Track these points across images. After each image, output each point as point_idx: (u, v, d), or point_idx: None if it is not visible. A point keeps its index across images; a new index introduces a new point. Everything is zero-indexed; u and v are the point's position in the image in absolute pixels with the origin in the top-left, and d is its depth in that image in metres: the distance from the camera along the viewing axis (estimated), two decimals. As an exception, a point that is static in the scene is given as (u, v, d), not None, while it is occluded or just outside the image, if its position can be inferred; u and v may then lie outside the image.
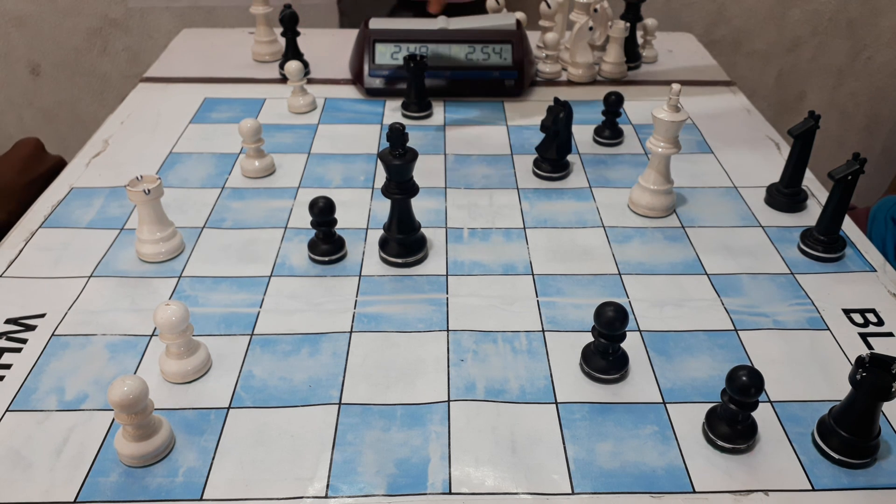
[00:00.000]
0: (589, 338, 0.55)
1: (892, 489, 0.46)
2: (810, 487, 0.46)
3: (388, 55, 0.94)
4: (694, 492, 0.46)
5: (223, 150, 0.83)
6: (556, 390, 0.53)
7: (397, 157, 0.61)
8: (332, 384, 0.53)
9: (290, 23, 0.96)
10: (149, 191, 0.62)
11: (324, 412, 0.51)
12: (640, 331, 0.58)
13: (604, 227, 0.71)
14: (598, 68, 1.02)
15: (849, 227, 0.71)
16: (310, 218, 0.64)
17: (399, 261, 0.65)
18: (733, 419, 0.48)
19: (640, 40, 1.07)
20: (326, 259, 0.65)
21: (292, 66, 0.89)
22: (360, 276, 0.64)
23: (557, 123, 0.75)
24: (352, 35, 1.03)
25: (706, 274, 0.65)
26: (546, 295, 0.62)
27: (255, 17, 1.02)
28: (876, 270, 0.66)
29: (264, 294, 0.62)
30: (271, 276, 0.64)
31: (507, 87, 0.94)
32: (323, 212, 0.63)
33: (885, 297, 0.62)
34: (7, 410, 0.51)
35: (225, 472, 0.47)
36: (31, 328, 0.58)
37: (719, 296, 0.62)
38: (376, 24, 0.95)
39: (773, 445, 0.49)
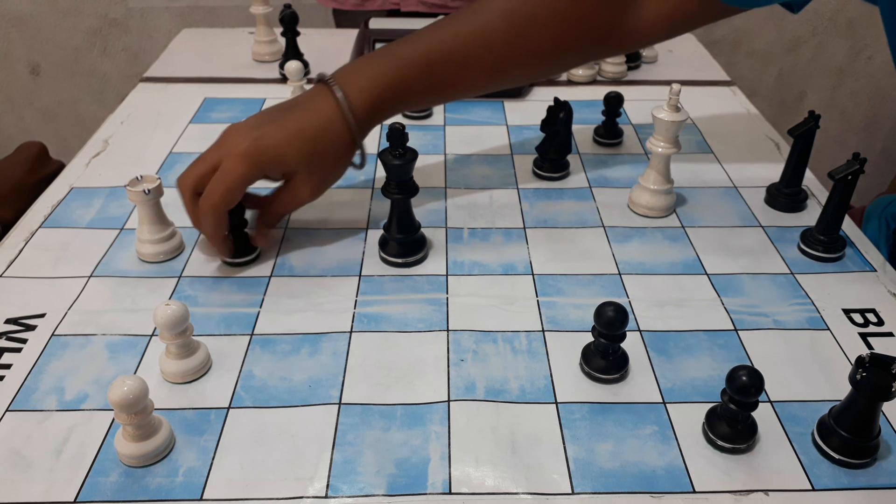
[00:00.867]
0: (589, 338, 0.55)
1: (892, 489, 0.46)
2: (810, 487, 0.46)
3: (388, 55, 0.94)
4: (694, 492, 0.46)
5: (223, 150, 0.83)
6: (556, 390, 0.53)
7: (397, 157, 0.61)
8: (332, 384, 0.53)
9: (290, 23, 0.96)
10: (149, 191, 0.62)
11: (324, 412, 0.51)
12: (640, 331, 0.58)
13: (604, 227, 0.71)
14: (598, 68, 1.02)
15: (849, 227, 0.71)
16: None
17: (399, 261, 0.65)
18: (733, 419, 0.48)
19: (640, 40, 1.07)
20: (239, 261, 0.64)
21: (292, 66, 0.89)
22: (360, 276, 0.64)
23: (557, 123, 0.75)
24: (352, 35, 1.03)
25: (706, 274, 0.65)
26: (546, 295, 0.62)
27: (255, 17, 1.02)
28: (876, 270, 0.66)
29: (264, 294, 0.62)
30: (271, 276, 0.64)
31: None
32: (231, 213, 0.62)
33: (885, 297, 0.62)
34: (7, 410, 0.51)
35: (225, 472, 0.47)
36: (31, 328, 0.58)
37: (719, 296, 0.62)
38: (376, 24, 0.95)
39: (773, 445, 0.49)
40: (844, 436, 0.47)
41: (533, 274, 0.65)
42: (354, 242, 0.68)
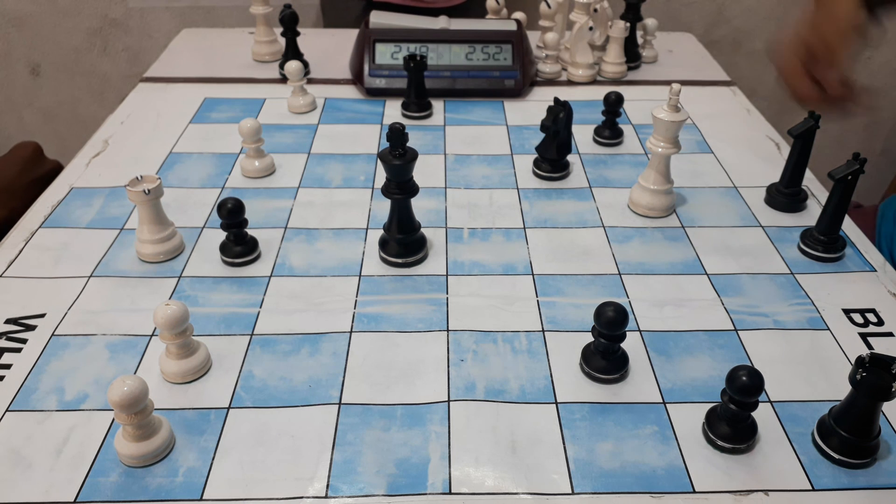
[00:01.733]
0: (589, 338, 0.55)
1: (892, 489, 0.46)
2: (810, 487, 0.46)
3: (388, 55, 0.94)
4: (694, 492, 0.46)
5: (223, 150, 0.83)
6: (556, 390, 0.53)
7: (397, 157, 0.61)
8: (332, 384, 0.53)
9: (290, 23, 0.96)
10: (149, 191, 0.62)
11: (324, 412, 0.51)
12: (640, 331, 0.58)
13: (604, 227, 0.71)
14: (598, 68, 1.02)
15: (849, 227, 0.71)
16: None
17: (399, 261, 0.65)
18: (733, 419, 0.48)
19: (640, 40, 1.07)
20: (239, 261, 0.65)
21: (292, 66, 0.89)
22: (360, 276, 0.64)
23: (557, 123, 0.75)
24: (352, 35, 1.03)
25: (706, 274, 0.65)
26: (546, 295, 0.62)
27: (255, 17, 1.02)
28: (876, 270, 0.66)
29: (264, 294, 0.62)
30: (271, 276, 0.64)
31: (507, 87, 0.95)
32: (232, 213, 0.63)
33: (885, 297, 0.62)
34: (7, 410, 0.51)
35: (225, 472, 0.47)
36: (31, 328, 0.58)
37: (719, 296, 0.62)
38: (376, 24, 0.95)
39: (773, 445, 0.49)
40: (844, 436, 0.47)
41: (533, 274, 0.65)
42: (354, 242, 0.68)
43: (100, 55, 1.72)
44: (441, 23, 0.95)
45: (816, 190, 0.77)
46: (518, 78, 0.94)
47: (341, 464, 0.47)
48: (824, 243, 0.66)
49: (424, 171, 0.78)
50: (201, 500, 0.45)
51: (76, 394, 0.52)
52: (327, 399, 0.52)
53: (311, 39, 1.07)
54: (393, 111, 0.92)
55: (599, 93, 0.88)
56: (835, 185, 0.64)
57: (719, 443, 0.48)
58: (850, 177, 0.63)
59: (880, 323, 0.60)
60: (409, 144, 0.62)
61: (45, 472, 0.47)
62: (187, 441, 0.49)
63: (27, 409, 0.51)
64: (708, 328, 0.59)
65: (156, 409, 0.48)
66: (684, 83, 0.74)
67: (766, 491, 0.46)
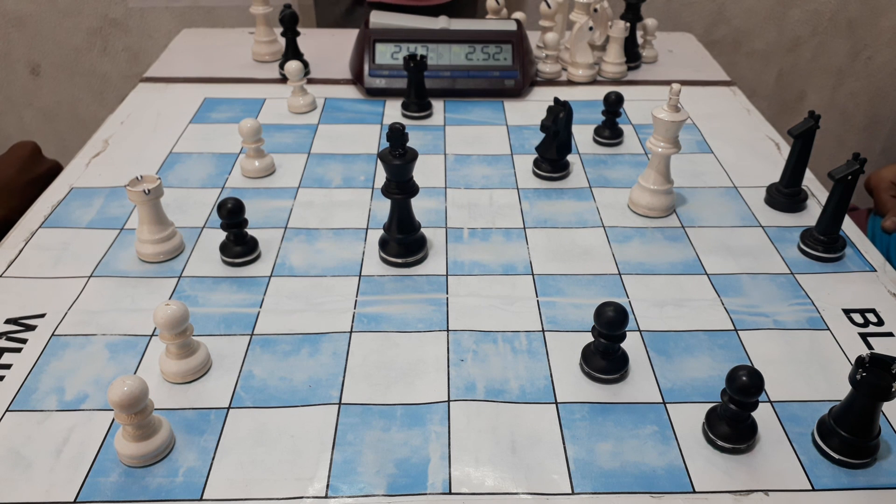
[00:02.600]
0: (589, 338, 0.55)
1: (892, 489, 0.46)
2: (810, 487, 0.46)
3: (388, 55, 0.94)
4: (694, 492, 0.46)
5: (223, 150, 0.83)
6: (556, 390, 0.53)
7: (397, 157, 0.61)
8: (332, 384, 0.53)
9: (290, 23, 0.96)
10: (149, 191, 0.62)
11: (324, 412, 0.51)
12: (640, 331, 0.58)
13: (604, 227, 0.71)
14: (598, 68, 1.02)
15: (849, 227, 0.71)
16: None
17: (399, 261, 0.65)
18: (733, 419, 0.48)
19: (640, 40, 1.07)
20: (239, 261, 0.65)
21: (292, 66, 0.89)
22: (360, 276, 0.64)
23: (557, 123, 0.75)
24: (352, 35, 1.03)
25: (706, 274, 0.65)
26: (546, 295, 0.62)
27: (255, 17, 1.02)
28: (876, 270, 0.66)
29: (264, 294, 0.62)
30: (271, 276, 0.64)
31: (507, 87, 0.95)
32: (232, 213, 0.63)
33: (885, 297, 0.62)
34: (7, 410, 0.51)
35: (225, 472, 0.47)
36: (31, 328, 0.58)
37: (719, 296, 0.62)
38: (376, 24, 0.95)
39: (773, 445, 0.49)
40: (844, 436, 0.47)
41: (533, 274, 0.65)
42: (354, 242, 0.68)
43: (100, 55, 1.72)
44: (441, 23, 0.95)
45: (816, 190, 0.77)
46: (518, 78, 0.94)
47: (341, 464, 0.47)
48: (824, 243, 0.66)
49: (424, 171, 0.78)
50: (201, 500, 0.45)
51: (76, 394, 0.52)
52: (327, 399, 0.52)
53: (311, 39, 1.07)
54: (393, 111, 0.92)
55: (599, 93, 0.88)
56: (835, 185, 0.64)
57: (719, 443, 0.48)
58: (850, 177, 0.63)
59: (880, 323, 0.60)
60: (409, 144, 0.62)
61: (45, 473, 0.47)
62: (187, 441, 0.49)
63: (27, 409, 0.51)
64: (708, 328, 0.59)
65: (156, 409, 0.48)
66: (684, 83, 0.74)
67: (766, 491, 0.46)
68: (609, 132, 0.85)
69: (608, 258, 0.67)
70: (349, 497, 0.45)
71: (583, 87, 1.00)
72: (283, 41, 1.00)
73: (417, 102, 0.90)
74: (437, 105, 0.93)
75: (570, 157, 0.80)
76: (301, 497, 0.45)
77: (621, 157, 0.84)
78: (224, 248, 0.65)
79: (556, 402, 0.52)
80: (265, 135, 0.78)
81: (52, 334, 0.57)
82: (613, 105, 0.84)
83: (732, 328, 0.59)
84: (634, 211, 0.73)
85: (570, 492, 0.46)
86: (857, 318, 0.60)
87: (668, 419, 0.51)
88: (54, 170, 0.87)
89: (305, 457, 0.48)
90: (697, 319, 0.60)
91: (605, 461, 0.48)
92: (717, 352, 0.56)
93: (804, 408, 0.52)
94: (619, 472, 0.47)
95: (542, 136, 0.78)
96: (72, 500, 0.45)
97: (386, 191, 0.63)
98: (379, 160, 0.67)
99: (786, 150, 0.84)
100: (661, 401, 0.52)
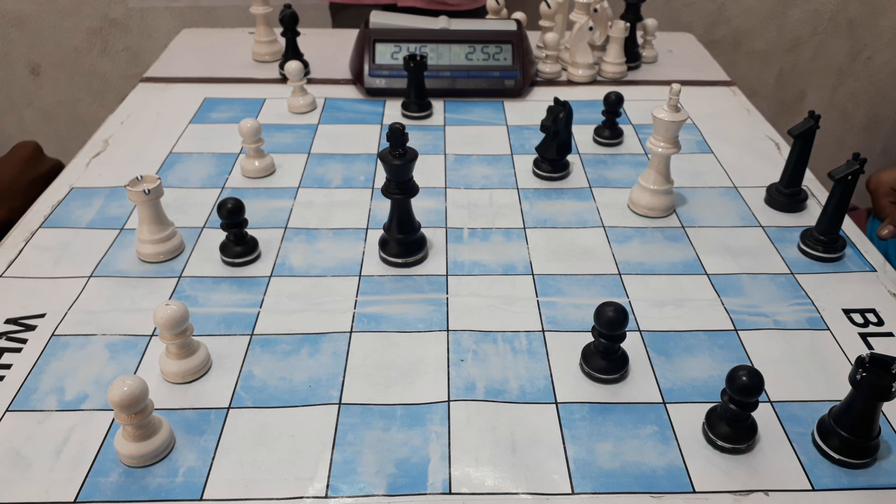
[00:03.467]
0: (589, 338, 0.55)
1: (892, 489, 0.46)
2: (810, 487, 0.46)
3: (388, 55, 0.94)
4: (694, 492, 0.46)
5: (223, 150, 0.83)
6: (556, 390, 0.53)
7: (397, 157, 0.61)
8: (332, 384, 0.53)
9: (290, 23, 0.96)
10: (149, 191, 0.62)
11: (324, 412, 0.51)
12: (640, 331, 0.58)
13: (604, 227, 0.71)
14: (598, 68, 1.02)
15: (849, 227, 0.71)
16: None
17: (399, 261, 0.65)
18: (733, 419, 0.48)
19: (640, 40, 1.07)
20: (239, 261, 0.65)
21: (292, 66, 0.89)
22: (360, 276, 0.64)
23: (557, 123, 0.75)
24: (352, 35, 1.03)
25: (706, 274, 0.65)
26: (546, 295, 0.62)
27: (255, 17, 1.02)
28: (876, 270, 0.66)
29: (264, 294, 0.62)
30: (271, 276, 0.64)
31: (507, 87, 0.95)
32: (232, 213, 0.63)
33: (885, 297, 0.62)
34: (7, 410, 0.51)
35: (225, 472, 0.47)
36: (31, 328, 0.58)
37: (719, 296, 0.62)
38: (376, 24, 0.95)
39: (773, 445, 0.49)
40: (844, 436, 0.47)
41: (533, 274, 0.65)
42: (354, 242, 0.68)
43: (100, 55, 1.72)
44: (441, 23, 0.95)
45: (816, 190, 0.77)
46: (518, 78, 0.94)
47: (341, 464, 0.47)
48: (824, 243, 0.66)
49: (424, 171, 0.78)
50: (201, 500, 0.45)
51: (76, 394, 0.52)
52: (327, 399, 0.52)
53: (312, 39, 1.07)
54: (393, 111, 0.92)
55: (599, 93, 0.88)
56: (835, 185, 0.64)
57: (719, 443, 0.48)
58: (850, 177, 0.63)
59: (880, 323, 0.60)
60: (409, 144, 0.62)
61: (45, 472, 0.47)
62: (187, 441, 0.49)
63: (27, 409, 0.51)
64: (708, 328, 0.59)
65: (156, 409, 0.48)
66: (684, 83, 0.74)
67: (766, 491, 0.46)
68: (609, 132, 0.85)
69: (608, 258, 0.67)
70: (349, 497, 0.45)
71: (583, 87, 1.00)
72: (283, 41, 1.00)
73: (417, 102, 0.90)
74: (437, 105, 0.93)
75: (570, 157, 0.80)
76: (301, 497, 0.45)
77: (621, 157, 0.84)
78: (224, 248, 0.65)
79: (556, 402, 0.52)
80: (265, 135, 0.78)
81: (52, 334, 0.57)
82: (613, 105, 0.84)
83: (732, 328, 0.59)
84: (634, 211, 0.73)
85: (570, 492, 0.46)
86: (857, 318, 0.60)
87: (668, 419, 0.51)
88: (56, 168, 0.87)
89: (305, 457, 0.48)
90: (697, 319, 0.60)
91: (605, 461, 0.48)
92: (717, 352, 0.56)
93: (804, 408, 0.52)
94: (619, 472, 0.47)
95: (542, 136, 0.78)
96: (72, 500, 0.45)
97: (386, 191, 0.63)
98: (379, 160, 0.67)
99: (786, 150, 0.84)
100: (661, 401, 0.52)
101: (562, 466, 0.47)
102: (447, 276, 0.64)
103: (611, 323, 0.51)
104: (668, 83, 0.98)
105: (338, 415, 0.51)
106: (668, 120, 0.67)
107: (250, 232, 0.66)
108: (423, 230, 0.67)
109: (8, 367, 0.54)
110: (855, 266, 0.66)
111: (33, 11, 1.65)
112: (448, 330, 0.58)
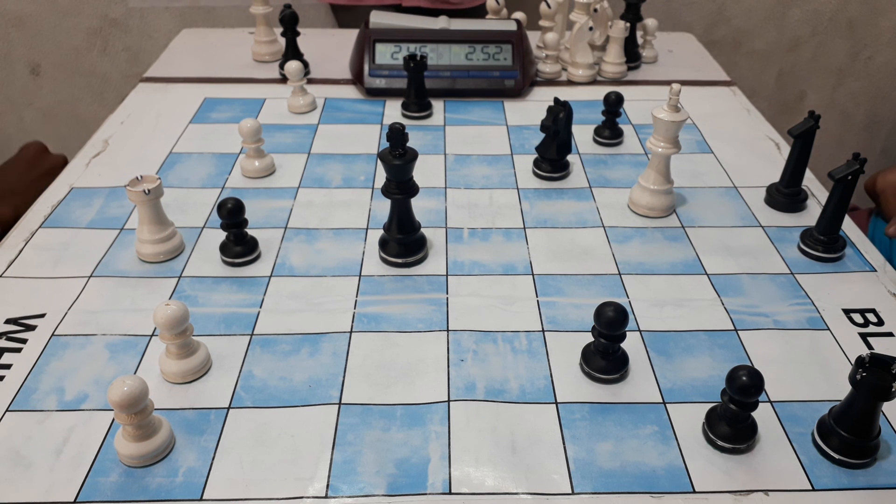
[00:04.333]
0: (589, 338, 0.55)
1: (892, 489, 0.46)
2: (810, 487, 0.46)
3: (388, 55, 0.94)
4: (694, 492, 0.46)
5: (223, 150, 0.83)
6: (556, 390, 0.53)
7: (397, 157, 0.61)
8: (332, 384, 0.53)
9: (290, 23, 0.96)
10: (149, 191, 0.62)
11: (324, 412, 0.51)
12: (640, 331, 0.58)
13: (604, 227, 0.71)
14: (598, 68, 1.02)
15: (849, 227, 0.71)
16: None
17: (399, 261, 0.65)
18: (733, 419, 0.48)
19: (640, 40, 1.07)
20: (239, 261, 0.65)
21: (292, 66, 0.89)
22: (360, 276, 0.64)
23: (557, 123, 0.75)
24: (352, 35, 1.03)
25: (706, 274, 0.65)
26: (546, 295, 0.62)
27: (255, 17, 1.02)
28: (876, 270, 0.66)
29: (264, 294, 0.62)
30: (271, 276, 0.64)
31: (507, 87, 0.95)
32: (232, 213, 0.63)
33: (885, 297, 0.62)
34: (7, 410, 0.51)
35: (225, 472, 0.47)
36: (31, 328, 0.58)
37: (719, 296, 0.62)
38: (376, 24, 0.95)
39: (773, 445, 0.49)
40: (844, 436, 0.47)
41: (533, 274, 0.65)
42: (354, 242, 0.68)
43: (100, 55, 1.72)
44: (441, 23, 0.95)
45: (816, 190, 0.77)
46: (518, 78, 0.94)
47: (341, 464, 0.47)
48: (824, 243, 0.66)
49: (424, 171, 0.78)
50: (201, 500, 0.45)
51: (76, 394, 0.52)
52: (327, 399, 0.52)
53: (312, 39, 1.07)
54: (393, 111, 0.92)
55: (599, 93, 0.88)
56: (835, 185, 0.64)
57: (719, 443, 0.48)
58: (850, 177, 0.63)
59: (880, 323, 0.60)
60: (409, 144, 0.62)
61: (45, 472, 0.47)
62: (187, 441, 0.49)
63: (27, 409, 0.51)
64: (708, 328, 0.59)
65: (156, 409, 0.48)
66: (684, 83, 0.74)
67: (766, 491, 0.46)
68: (609, 132, 0.85)
69: (608, 258, 0.67)
70: (349, 497, 0.45)
71: (583, 87, 1.00)
72: (283, 41, 1.00)
73: (417, 102, 0.90)
74: (437, 105, 0.93)
75: (570, 157, 0.80)
76: (301, 497, 0.45)
77: (621, 157, 0.84)
78: (224, 248, 0.65)
79: (556, 402, 0.52)
80: (265, 135, 0.78)
81: (52, 334, 0.57)
82: (613, 105, 0.84)
83: (732, 328, 0.59)
84: (634, 211, 0.73)
85: (570, 492, 0.46)
86: (857, 318, 0.60)
87: (668, 419, 0.51)
88: (63, 164, 0.87)
89: (305, 457, 0.48)
90: (697, 319, 0.60)
91: (605, 461, 0.48)
92: (717, 352, 0.56)
93: (804, 408, 0.52)
94: (619, 472, 0.47)
95: (542, 136, 0.78)
96: (72, 500, 0.45)
97: (386, 191, 0.63)
98: (379, 160, 0.67)
99: (786, 150, 0.84)
100: (661, 401, 0.52)
101: (562, 466, 0.47)
102: (447, 276, 0.64)
103: (611, 323, 0.51)
104: (668, 83, 0.98)
105: (338, 415, 0.51)
106: (668, 120, 0.67)
107: (250, 232, 0.66)
108: (423, 230, 0.67)
109: (8, 367, 0.54)
110: (855, 266, 0.66)
111: (33, 11, 1.65)
112: (448, 330, 0.58)
